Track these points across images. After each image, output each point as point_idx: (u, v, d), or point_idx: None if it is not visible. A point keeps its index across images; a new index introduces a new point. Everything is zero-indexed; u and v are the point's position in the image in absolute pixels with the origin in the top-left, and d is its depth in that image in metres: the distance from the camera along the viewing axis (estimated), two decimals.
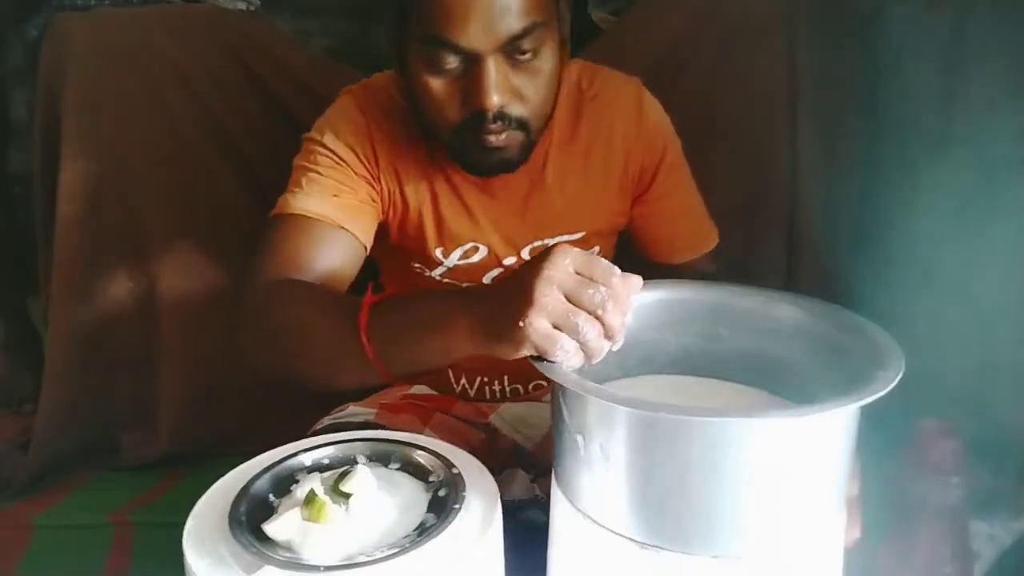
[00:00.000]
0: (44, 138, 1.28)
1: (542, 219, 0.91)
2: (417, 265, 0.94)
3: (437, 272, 0.93)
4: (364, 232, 0.85)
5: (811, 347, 0.62)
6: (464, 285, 0.82)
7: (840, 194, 1.25)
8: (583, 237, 0.93)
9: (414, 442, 0.63)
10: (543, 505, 0.63)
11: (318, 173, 0.84)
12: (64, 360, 1.28)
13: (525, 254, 0.92)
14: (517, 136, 0.78)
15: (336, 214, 0.82)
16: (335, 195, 0.83)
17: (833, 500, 0.52)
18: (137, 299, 1.31)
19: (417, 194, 0.89)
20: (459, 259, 0.92)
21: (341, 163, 0.85)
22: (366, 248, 0.86)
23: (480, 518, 0.55)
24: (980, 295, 1.03)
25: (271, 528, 0.53)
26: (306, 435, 0.84)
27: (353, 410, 0.93)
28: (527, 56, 0.74)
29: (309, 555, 0.51)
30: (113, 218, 1.29)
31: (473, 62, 0.73)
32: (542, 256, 0.55)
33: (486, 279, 0.93)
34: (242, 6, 1.41)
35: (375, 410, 0.92)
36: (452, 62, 0.74)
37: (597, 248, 0.95)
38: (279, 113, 1.34)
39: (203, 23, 1.33)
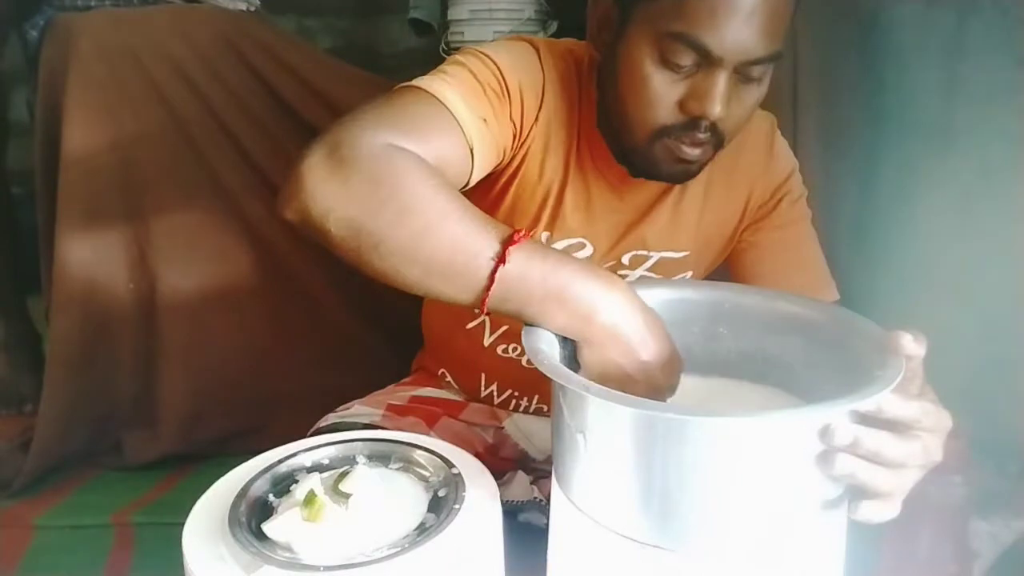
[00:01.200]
0: (44, 137, 1.28)
1: (655, 231, 0.88)
2: None
3: None
4: (481, 170, 0.76)
5: (811, 346, 0.62)
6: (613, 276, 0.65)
7: (840, 193, 1.25)
8: (686, 257, 0.90)
9: (414, 442, 0.63)
10: (543, 507, 0.63)
11: (479, 84, 0.75)
12: (65, 360, 1.28)
13: (625, 260, 0.89)
14: (708, 151, 0.76)
15: (473, 132, 0.72)
16: (483, 117, 0.74)
17: (833, 500, 0.51)
18: (137, 299, 1.32)
19: (552, 172, 0.84)
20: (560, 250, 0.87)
21: (503, 95, 0.77)
22: (471, 172, 0.75)
23: (480, 518, 0.55)
24: (981, 294, 1.03)
25: (271, 528, 0.53)
26: (309, 433, 0.85)
27: (358, 409, 0.93)
28: (754, 80, 0.72)
29: (309, 555, 0.51)
30: (114, 218, 1.29)
31: (709, 68, 0.70)
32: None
33: None
34: (242, 6, 1.41)
35: (381, 411, 0.92)
36: (688, 61, 0.70)
37: (690, 273, 0.92)
38: (282, 111, 1.35)
39: (204, 22, 1.33)
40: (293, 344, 1.41)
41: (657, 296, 0.66)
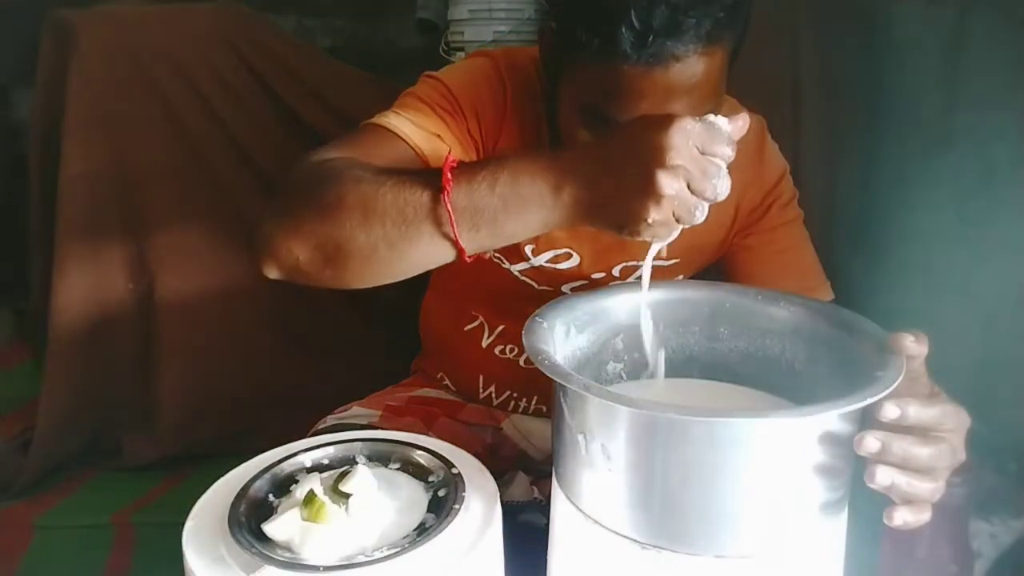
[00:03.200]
0: (43, 137, 1.28)
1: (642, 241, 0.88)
2: (497, 255, 0.89)
3: (517, 267, 0.88)
4: None
5: (811, 347, 0.62)
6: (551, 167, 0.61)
7: (841, 192, 1.25)
8: (676, 264, 0.89)
9: (414, 442, 0.63)
10: (542, 507, 0.63)
11: (428, 106, 0.76)
12: (65, 361, 1.28)
13: (616, 272, 0.88)
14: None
15: (426, 148, 0.73)
16: (436, 133, 0.75)
17: (833, 500, 0.51)
18: (136, 300, 1.32)
19: None
20: (547, 261, 0.87)
21: (457, 113, 0.78)
22: None
23: (480, 518, 0.55)
24: (981, 294, 1.03)
25: (271, 528, 0.53)
26: (308, 434, 0.85)
27: (357, 411, 0.93)
28: None
29: (309, 555, 0.51)
30: (113, 219, 1.29)
31: None
32: (660, 127, 0.52)
33: (565, 288, 0.89)
34: None
35: (380, 412, 0.92)
36: (605, 128, 0.67)
37: (680, 278, 0.91)
38: (282, 111, 1.35)
39: (204, 22, 1.34)
40: (292, 345, 1.41)
41: (657, 296, 0.66)
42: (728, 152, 0.53)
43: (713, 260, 0.93)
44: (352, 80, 1.42)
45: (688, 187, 0.52)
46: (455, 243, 0.58)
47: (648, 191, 0.52)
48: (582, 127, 0.71)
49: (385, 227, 0.59)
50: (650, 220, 0.53)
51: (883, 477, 0.49)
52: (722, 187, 0.53)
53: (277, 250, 0.63)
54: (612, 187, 0.54)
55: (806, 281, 0.90)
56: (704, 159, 0.53)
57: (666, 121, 0.52)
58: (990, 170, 1.01)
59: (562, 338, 0.61)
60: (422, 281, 1.07)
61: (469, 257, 0.59)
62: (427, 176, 0.59)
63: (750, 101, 1.05)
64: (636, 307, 0.66)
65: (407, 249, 0.60)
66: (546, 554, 0.61)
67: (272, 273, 0.65)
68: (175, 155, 1.30)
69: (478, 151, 0.80)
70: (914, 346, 0.53)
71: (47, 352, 1.29)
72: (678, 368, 0.68)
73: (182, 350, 1.33)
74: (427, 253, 0.60)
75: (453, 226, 0.57)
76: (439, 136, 0.75)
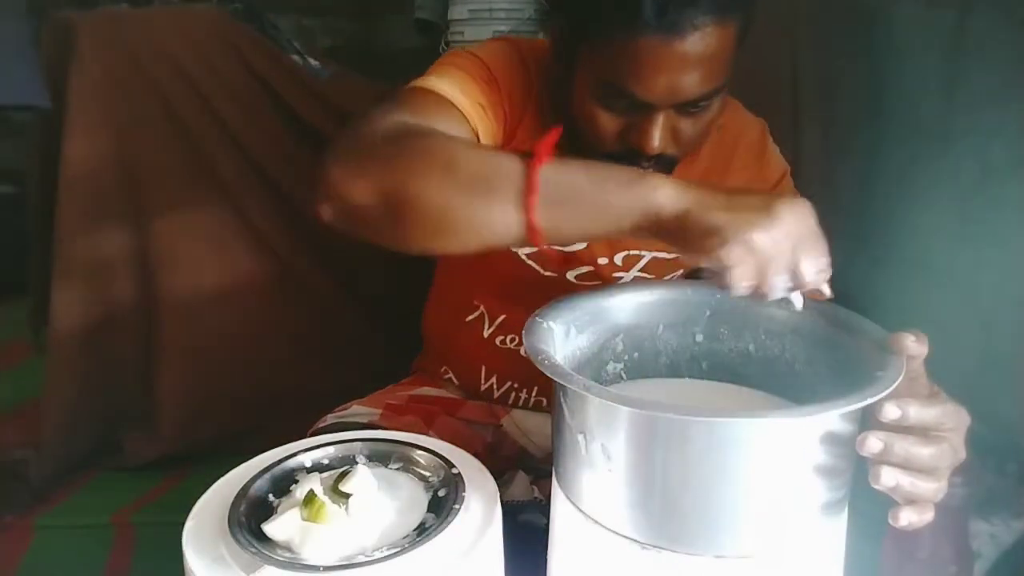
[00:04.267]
0: (43, 137, 1.28)
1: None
2: None
3: (525, 250, 0.88)
4: None
5: (811, 347, 0.62)
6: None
7: (841, 193, 1.25)
8: (677, 257, 0.90)
9: (414, 442, 0.63)
10: (543, 507, 0.63)
11: (469, 76, 0.76)
12: (65, 362, 1.28)
13: (618, 260, 0.89)
14: (664, 169, 0.76)
15: (475, 116, 0.73)
16: (480, 103, 0.75)
17: (833, 500, 0.51)
18: (137, 299, 1.32)
19: None
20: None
21: (493, 83, 0.78)
22: None
23: (480, 518, 0.55)
24: (981, 294, 1.03)
25: (271, 528, 0.53)
26: (308, 433, 0.85)
27: (357, 409, 0.93)
28: (698, 110, 0.73)
29: (309, 555, 0.51)
30: (114, 218, 1.29)
31: (645, 110, 0.72)
32: (807, 216, 0.53)
33: (570, 275, 0.90)
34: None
35: (380, 410, 0.92)
36: (622, 104, 0.72)
37: (681, 272, 0.92)
38: (282, 111, 1.35)
39: (204, 22, 1.33)
40: (293, 344, 1.41)
41: (657, 296, 0.66)
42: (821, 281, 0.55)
43: None
44: (347, 78, 1.43)
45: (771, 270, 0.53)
46: (531, 218, 0.56)
47: (743, 254, 0.52)
48: (599, 107, 0.73)
49: (465, 189, 0.57)
50: (729, 274, 0.52)
51: (888, 478, 0.49)
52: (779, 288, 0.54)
53: (339, 187, 0.60)
54: (704, 228, 0.53)
55: None
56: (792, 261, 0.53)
57: (808, 214, 0.54)
58: (989, 170, 1.01)
59: (562, 338, 0.61)
60: (423, 281, 1.07)
61: (543, 245, 0.57)
62: (520, 153, 0.58)
63: (750, 101, 1.06)
64: (636, 307, 0.66)
65: (479, 216, 0.57)
66: (546, 554, 0.61)
67: (326, 214, 0.62)
68: (175, 155, 1.30)
69: (505, 125, 0.80)
70: (914, 346, 0.53)
71: (48, 353, 1.29)
72: (678, 368, 0.68)
73: (183, 350, 1.33)
74: (498, 224, 0.57)
75: (534, 200, 0.55)
76: (482, 106, 0.75)
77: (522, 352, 0.93)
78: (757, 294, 0.54)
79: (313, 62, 1.40)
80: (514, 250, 0.89)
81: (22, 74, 1.05)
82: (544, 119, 0.83)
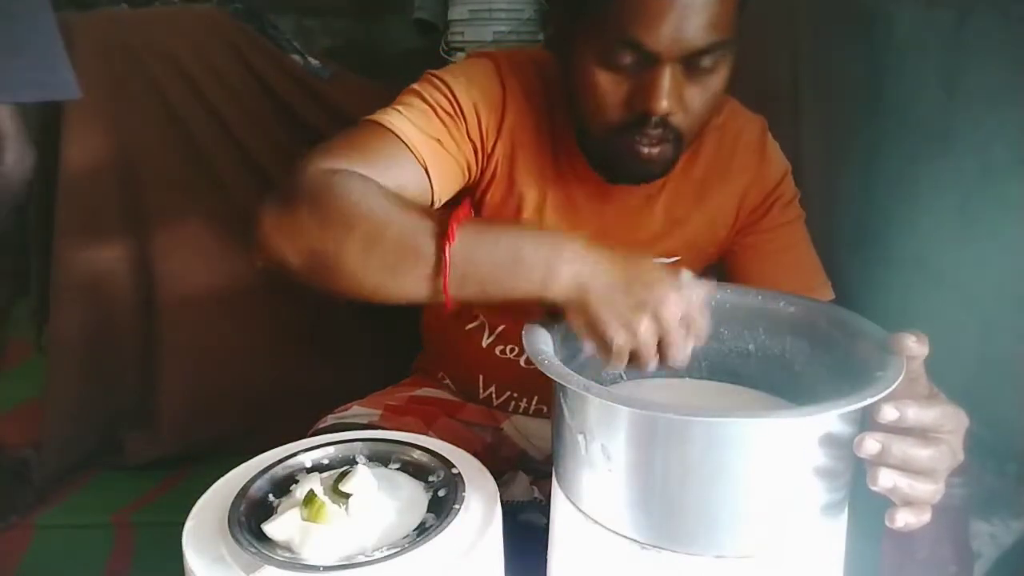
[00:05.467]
0: (41, 137, 1.28)
1: (643, 238, 0.88)
2: None
3: None
4: (441, 189, 0.78)
5: (811, 347, 0.62)
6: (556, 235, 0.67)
7: (841, 193, 1.25)
8: (676, 263, 0.89)
9: (414, 442, 0.63)
10: (542, 507, 0.63)
11: (431, 108, 0.78)
12: (66, 363, 1.29)
13: None
14: (668, 149, 0.75)
15: (426, 152, 0.76)
16: (436, 138, 0.77)
17: (833, 500, 0.51)
18: (137, 300, 1.32)
19: (526, 182, 0.85)
20: None
21: (458, 115, 0.80)
22: (432, 196, 0.78)
23: (480, 518, 0.55)
24: (981, 294, 1.03)
25: (271, 528, 0.53)
26: (308, 433, 0.85)
27: (357, 410, 0.93)
28: (704, 71, 0.72)
29: (309, 555, 0.51)
30: (114, 219, 1.29)
31: (650, 65, 0.70)
32: (669, 281, 0.59)
33: None
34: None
35: (380, 411, 0.92)
36: (629, 60, 0.71)
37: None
38: (282, 111, 1.35)
39: (204, 22, 1.34)
40: (293, 345, 1.41)
41: None
42: (703, 328, 0.60)
43: (714, 259, 0.93)
44: (346, 79, 1.43)
45: (659, 341, 0.58)
46: (444, 291, 0.61)
47: (631, 318, 0.57)
48: (604, 73, 0.73)
49: (385, 259, 0.63)
50: (617, 338, 0.58)
51: (885, 480, 0.49)
52: (682, 356, 0.59)
53: (271, 247, 0.66)
54: (606, 293, 0.58)
55: (807, 280, 0.90)
56: (683, 330, 0.58)
57: (675, 279, 0.59)
58: (990, 170, 1.01)
59: (562, 338, 0.61)
60: None
61: (452, 299, 0.62)
62: (436, 220, 0.62)
63: (750, 101, 1.06)
64: None
65: (398, 283, 0.63)
66: (546, 554, 0.61)
67: (260, 264, 0.68)
68: (175, 155, 1.30)
69: (477, 152, 0.82)
70: (915, 346, 0.53)
71: (47, 353, 1.29)
72: (678, 368, 0.68)
73: (182, 350, 1.33)
74: (415, 291, 0.63)
75: (446, 278, 0.61)
76: (439, 141, 0.77)
77: (522, 363, 0.94)
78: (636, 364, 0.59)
79: (313, 62, 1.40)
80: None
81: (56, 68, 1.03)
82: (523, 130, 0.83)
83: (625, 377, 0.68)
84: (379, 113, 0.77)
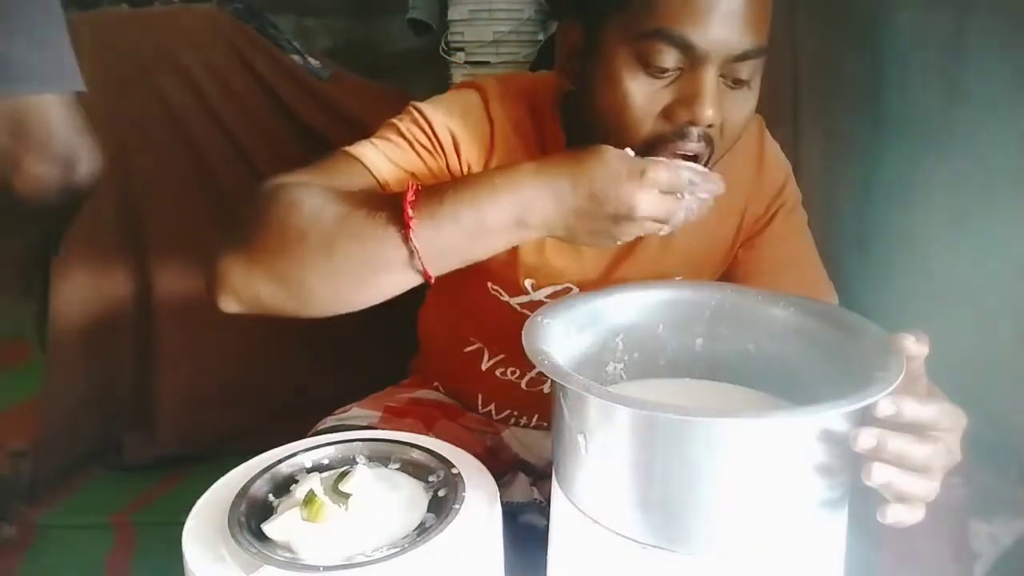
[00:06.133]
0: None
1: (646, 261, 0.84)
2: (495, 287, 0.86)
3: (516, 300, 0.85)
4: None
5: (811, 347, 0.62)
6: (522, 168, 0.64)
7: (841, 194, 1.25)
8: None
9: (414, 442, 0.63)
10: (542, 509, 0.63)
11: (406, 141, 0.75)
12: (65, 363, 1.29)
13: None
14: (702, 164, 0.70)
15: (392, 183, 0.73)
16: (409, 171, 0.74)
17: (833, 500, 0.51)
18: (136, 301, 1.32)
19: None
20: (547, 296, 0.84)
21: (436, 150, 0.77)
22: None
23: (480, 518, 0.55)
24: (980, 295, 1.03)
25: (271, 528, 0.53)
26: (308, 434, 0.85)
27: (356, 412, 0.93)
28: (741, 85, 0.68)
29: (309, 555, 0.51)
30: (113, 220, 1.29)
31: (694, 69, 0.66)
32: (635, 164, 0.60)
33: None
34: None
35: (379, 413, 0.92)
36: (670, 62, 0.66)
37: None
38: (281, 111, 1.35)
39: (204, 22, 1.34)
40: (292, 346, 1.41)
41: (657, 296, 0.66)
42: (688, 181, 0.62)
43: (718, 275, 0.90)
44: (345, 80, 1.43)
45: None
46: (424, 274, 0.61)
47: (624, 214, 0.59)
48: (639, 77, 0.67)
49: (350, 262, 0.61)
50: (625, 236, 0.61)
51: (879, 475, 0.49)
52: (677, 220, 0.62)
53: (236, 285, 0.64)
54: (588, 206, 0.60)
55: (810, 285, 0.86)
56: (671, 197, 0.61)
57: (631, 167, 0.60)
58: (989, 170, 1.01)
59: (562, 338, 0.61)
60: (423, 286, 1.06)
61: (436, 271, 0.62)
62: (390, 208, 0.61)
63: None
64: (636, 307, 0.66)
65: (373, 282, 0.63)
66: (546, 555, 0.61)
67: (231, 307, 0.66)
68: (175, 155, 1.30)
69: None
70: (915, 346, 0.53)
71: (48, 353, 1.29)
72: (678, 368, 0.68)
73: (182, 351, 1.33)
74: (395, 283, 0.63)
75: (421, 262, 0.60)
76: (413, 174, 0.74)
77: (523, 385, 0.92)
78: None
79: (313, 62, 1.40)
80: (504, 299, 0.86)
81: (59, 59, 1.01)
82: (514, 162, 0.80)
83: (625, 377, 0.68)
84: (354, 146, 0.75)
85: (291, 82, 1.35)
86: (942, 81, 1.08)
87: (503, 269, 0.83)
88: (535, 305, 0.85)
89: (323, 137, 1.32)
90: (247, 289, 0.64)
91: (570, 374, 0.52)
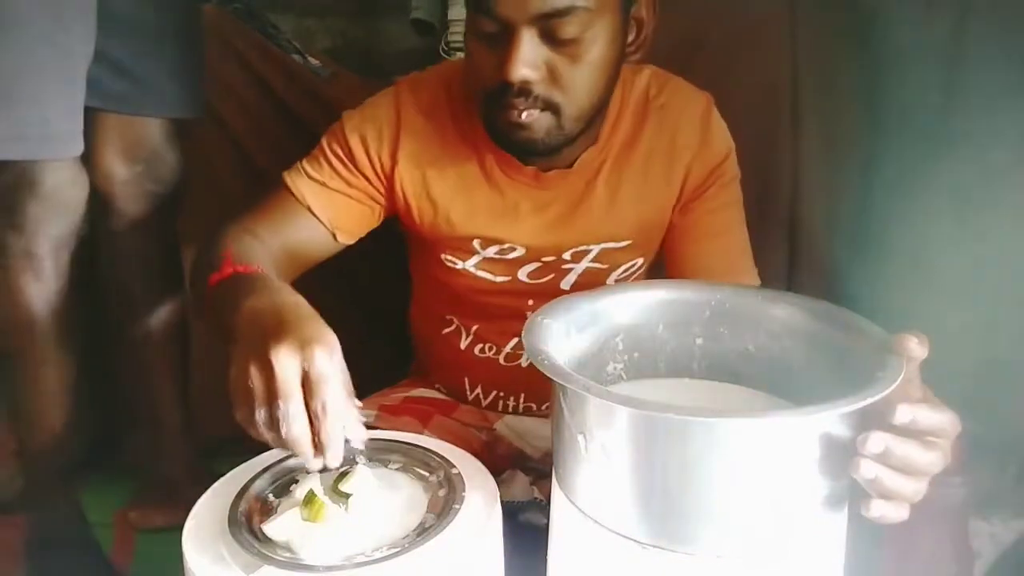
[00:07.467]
0: None
1: (590, 224, 0.88)
2: (448, 258, 0.91)
3: (471, 263, 0.90)
4: (344, 228, 0.87)
5: (811, 347, 0.62)
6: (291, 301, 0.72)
7: (841, 194, 1.25)
8: (629, 245, 0.90)
9: (414, 442, 0.64)
10: (542, 507, 0.63)
11: (325, 157, 0.87)
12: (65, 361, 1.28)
13: (567, 256, 0.89)
14: (544, 118, 0.76)
15: (316, 202, 0.85)
16: (327, 184, 0.86)
17: (833, 500, 0.52)
18: None
19: (450, 202, 0.87)
20: (495, 253, 0.89)
21: (348, 157, 0.86)
22: (335, 238, 0.88)
23: (480, 518, 0.55)
24: (980, 295, 1.03)
25: (271, 528, 0.53)
26: None
27: None
28: (569, 40, 0.72)
29: (309, 555, 0.51)
30: None
31: (508, 32, 0.72)
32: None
33: (521, 273, 0.90)
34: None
35: (375, 412, 0.92)
36: (490, 28, 0.74)
37: (640, 260, 0.92)
38: (281, 111, 1.35)
39: (203, 21, 1.33)
40: None
41: (657, 296, 0.66)
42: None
43: (662, 236, 0.93)
44: (344, 80, 1.42)
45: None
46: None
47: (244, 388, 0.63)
48: (474, 45, 0.78)
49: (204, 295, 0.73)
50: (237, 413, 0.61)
51: (867, 470, 0.49)
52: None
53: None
54: (244, 354, 0.66)
55: (735, 265, 0.91)
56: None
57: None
58: (989, 170, 1.01)
59: (562, 338, 0.61)
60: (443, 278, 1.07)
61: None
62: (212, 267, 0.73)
63: (750, 102, 1.06)
64: (636, 307, 0.66)
65: (206, 313, 0.74)
66: (546, 554, 0.61)
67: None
68: None
69: (373, 184, 0.88)
70: (917, 348, 0.53)
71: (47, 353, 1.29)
72: (678, 368, 0.68)
73: (182, 351, 1.33)
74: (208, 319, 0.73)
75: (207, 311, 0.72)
76: (335, 189, 0.86)
77: (502, 361, 0.95)
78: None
79: (313, 62, 1.40)
80: (460, 266, 0.91)
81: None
82: (424, 146, 0.87)
83: (625, 377, 0.68)
84: (292, 171, 0.87)
85: (291, 82, 1.35)
86: (942, 81, 1.08)
87: (448, 240, 0.90)
88: (489, 263, 0.90)
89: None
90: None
91: (570, 374, 0.52)
